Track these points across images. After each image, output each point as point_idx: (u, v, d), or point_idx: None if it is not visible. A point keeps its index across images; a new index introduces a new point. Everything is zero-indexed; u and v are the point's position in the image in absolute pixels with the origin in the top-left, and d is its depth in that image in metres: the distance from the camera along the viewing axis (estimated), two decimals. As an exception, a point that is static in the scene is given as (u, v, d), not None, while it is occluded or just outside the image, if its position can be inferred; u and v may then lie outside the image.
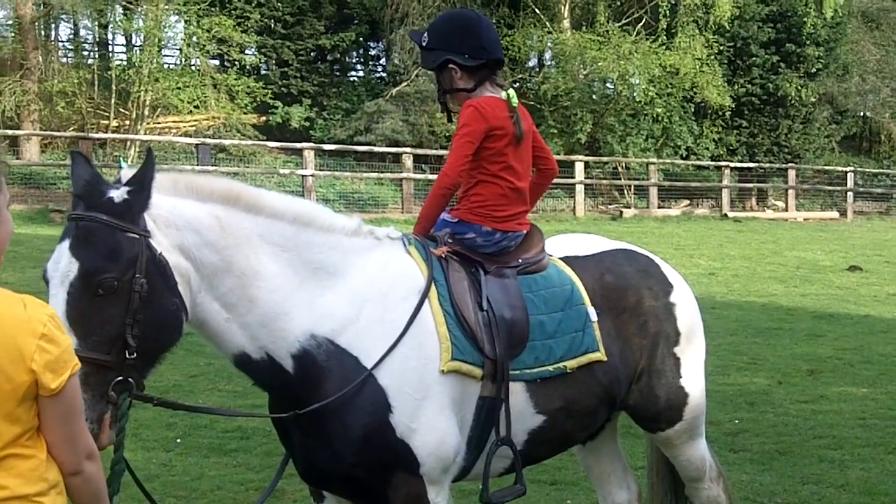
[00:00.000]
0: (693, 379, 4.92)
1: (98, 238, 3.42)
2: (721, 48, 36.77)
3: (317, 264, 4.00)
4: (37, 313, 2.62)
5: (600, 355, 4.55)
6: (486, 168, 4.57)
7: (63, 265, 3.39)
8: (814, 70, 38.43)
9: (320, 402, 3.89)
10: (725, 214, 33.48)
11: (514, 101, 4.61)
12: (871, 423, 9.26)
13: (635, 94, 35.23)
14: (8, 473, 2.59)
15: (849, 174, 37.83)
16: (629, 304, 4.75)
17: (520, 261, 4.57)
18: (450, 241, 4.49)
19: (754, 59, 37.92)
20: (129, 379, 3.42)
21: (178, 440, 8.30)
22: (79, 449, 2.74)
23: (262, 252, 3.87)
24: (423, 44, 4.66)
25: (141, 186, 3.54)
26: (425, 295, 4.16)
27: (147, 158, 3.57)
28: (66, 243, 3.43)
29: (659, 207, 33.44)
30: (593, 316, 4.58)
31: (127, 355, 3.41)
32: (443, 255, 4.38)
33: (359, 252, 4.14)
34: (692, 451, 5.06)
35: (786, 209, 36.31)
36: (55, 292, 3.37)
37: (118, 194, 3.51)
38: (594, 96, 36.63)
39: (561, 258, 4.77)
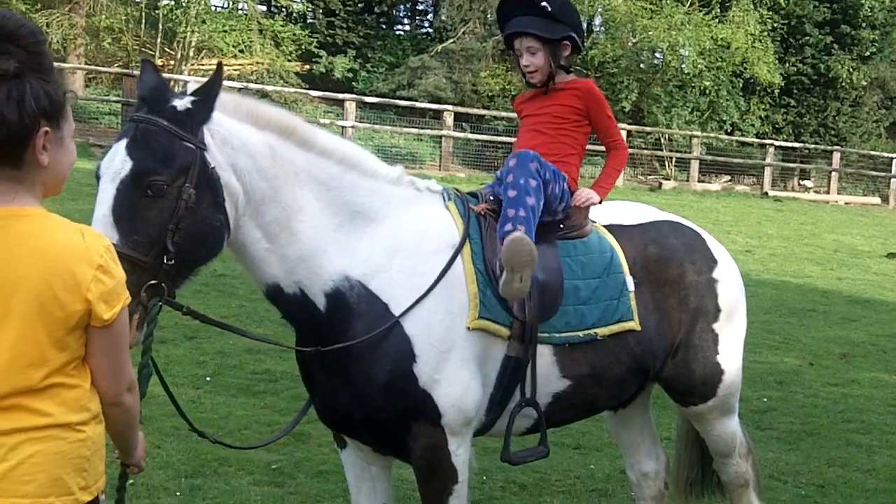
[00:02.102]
0: (730, 356, 4.88)
1: (154, 141, 3.46)
2: (775, 25, 36.34)
3: (357, 207, 4.00)
4: (94, 243, 2.63)
5: (634, 325, 4.51)
6: (582, 144, 4.79)
7: (116, 163, 3.43)
8: (867, 53, 37.95)
9: (347, 342, 3.91)
10: (766, 193, 33.19)
11: None
12: (902, 410, 9.20)
13: (684, 65, 34.89)
14: (53, 401, 2.61)
15: (894, 161, 37.36)
16: (671, 276, 4.70)
17: (561, 225, 4.53)
18: (491, 198, 4.46)
19: (808, 38, 37.47)
20: (163, 284, 3.45)
21: (208, 378, 8.36)
22: (121, 380, 2.76)
23: (307, 187, 3.89)
24: (549, 9, 4.59)
25: (205, 99, 3.59)
26: (458, 251, 4.14)
27: (216, 73, 3.61)
28: (123, 143, 3.47)
29: (699, 181, 33.18)
30: (630, 285, 4.54)
31: (164, 260, 3.44)
32: (482, 213, 4.35)
33: (398, 201, 4.14)
34: (723, 427, 5.03)
35: (828, 191, 35.95)
36: (105, 188, 3.41)
37: (182, 103, 3.56)
38: (642, 65, 36.34)
39: (605, 225, 4.73)
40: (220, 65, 3.68)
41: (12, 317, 2.54)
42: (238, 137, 3.70)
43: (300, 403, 7.65)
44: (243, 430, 7.15)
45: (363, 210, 4.02)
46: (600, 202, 4.67)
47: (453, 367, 4.01)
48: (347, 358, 3.95)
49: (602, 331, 4.42)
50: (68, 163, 2.72)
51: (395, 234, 4.06)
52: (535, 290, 4.23)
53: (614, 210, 4.98)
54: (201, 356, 8.97)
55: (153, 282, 3.42)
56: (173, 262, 3.46)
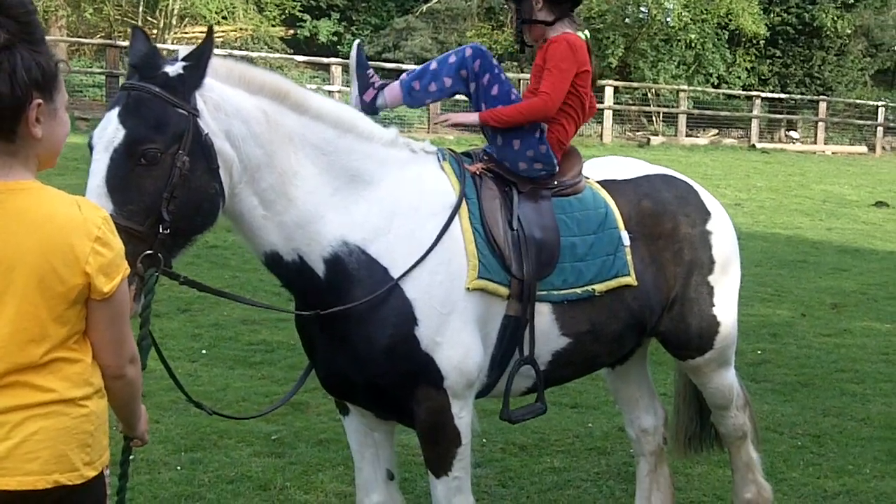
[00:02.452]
0: (725, 308, 4.90)
1: (147, 108, 3.43)
2: (758, -25, 36.18)
3: (353, 171, 3.99)
4: (91, 215, 2.61)
5: (630, 280, 4.53)
6: (571, 104, 4.60)
7: (109, 132, 3.41)
8: (851, 1, 37.77)
9: (345, 306, 3.91)
10: (753, 145, 33.15)
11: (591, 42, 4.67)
12: (894, 358, 9.27)
13: (669, 18, 34.71)
14: (55, 376, 2.60)
15: (880, 109, 37.30)
16: (665, 230, 4.71)
17: (555, 183, 4.54)
18: (485, 157, 4.47)
19: (792, -13, 37.34)
20: (159, 255, 3.43)
21: (203, 351, 8.38)
22: (124, 352, 2.76)
23: (302, 152, 3.87)
24: None
25: (197, 64, 3.55)
26: (455, 212, 4.14)
27: (207, 37, 3.57)
28: (115, 111, 3.44)
29: (687, 136, 33.11)
30: (626, 240, 4.56)
31: (160, 230, 3.41)
32: (477, 172, 4.35)
33: (394, 164, 4.12)
34: (721, 380, 5.06)
35: (815, 141, 35.94)
36: (98, 157, 3.38)
37: (173, 69, 3.52)
38: (627, 20, 36.11)
39: (598, 181, 4.73)
40: (210, 29, 3.65)
41: (11, 292, 2.53)
42: (231, 103, 3.68)
43: (298, 373, 7.66)
44: (242, 402, 7.18)
45: (359, 173, 4.00)
46: (476, 125, 4.51)
47: (454, 329, 4.03)
48: (348, 323, 3.95)
49: (599, 287, 4.43)
50: (63, 134, 2.69)
51: (393, 196, 4.05)
52: (532, 247, 4.24)
53: (607, 166, 4.98)
54: (196, 329, 8.98)
55: (149, 252, 3.40)
56: (169, 231, 3.43)
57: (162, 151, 3.41)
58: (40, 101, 2.55)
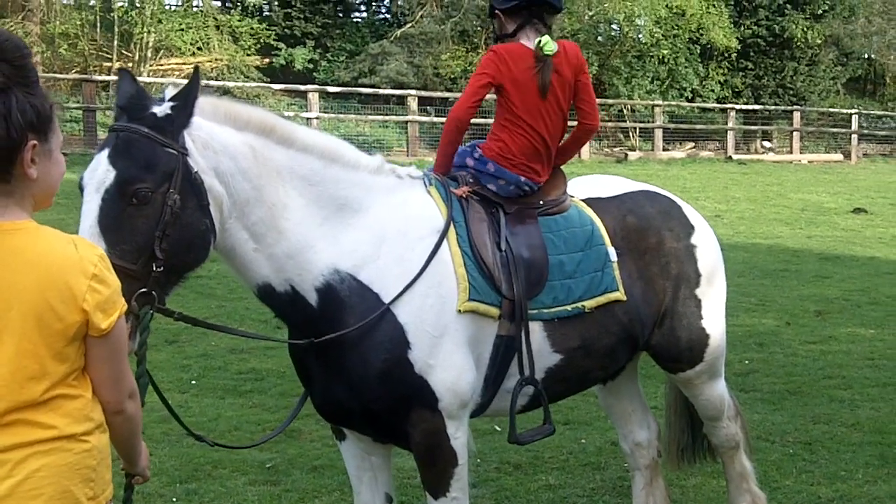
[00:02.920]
0: (714, 320, 4.95)
1: (136, 149, 3.48)
2: (727, -12, 36.49)
3: (342, 200, 4.03)
4: (87, 253, 2.63)
5: (619, 295, 4.57)
6: (507, 117, 4.58)
7: (100, 173, 3.45)
8: (820, 11, 38.08)
9: (339, 332, 3.94)
10: (730, 157, 33.38)
11: (548, 49, 4.52)
12: (880, 363, 9.34)
13: (641, 35, 34.97)
14: (56, 413, 2.61)
15: (853, 116, 37.62)
16: (651, 245, 4.76)
17: (541, 202, 4.58)
18: (471, 180, 4.51)
19: (760, 0, 37.61)
20: (153, 292, 3.47)
21: (193, 381, 8.37)
22: (123, 388, 2.78)
23: (290, 185, 3.91)
24: None
25: (184, 104, 3.60)
26: (444, 235, 4.19)
27: (193, 77, 3.62)
28: (105, 152, 3.49)
29: (664, 150, 33.30)
30: (613, 256, 4.60)
31: (153, 268, 3.46)
32: (463, 196, 4.39)
33: (381, 190, 4.17)
34: (712, 391, 5.10)
35: (790, 151, 36.18)
36: (89, 199, 3.43)
37: (161, 110, 3.57)
38: (600, 38, 36.37)
39: (583, 199, 4.78)
40: (196, 69, 3.69)
41: (10, 331, 2.55)
42: (219, 140, 3.72)
43: (289, 400, 7.74)
44: (234, 431, 7.17)
45: (347, 202, 4.05)
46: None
47: (447, 352, 4.06)
48: (342, 350, 3.98)
49: (589, 303, 4.48)
50: (58, 174, 2.72)
51: (381, 223, 4.09)
52: (521, 267, 4.29)
53: (590, 184, 5.03)
54: (184, 360, 8.97)
55: (143, 290, 3.44)
56: (162, 268, 3.48)
57: (153, 191, 3.45)
58: (35, 142, 2.57)
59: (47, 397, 2.60)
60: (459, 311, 4.11)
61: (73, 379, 2.66)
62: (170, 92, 3.67)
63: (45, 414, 2.60)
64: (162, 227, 3.46)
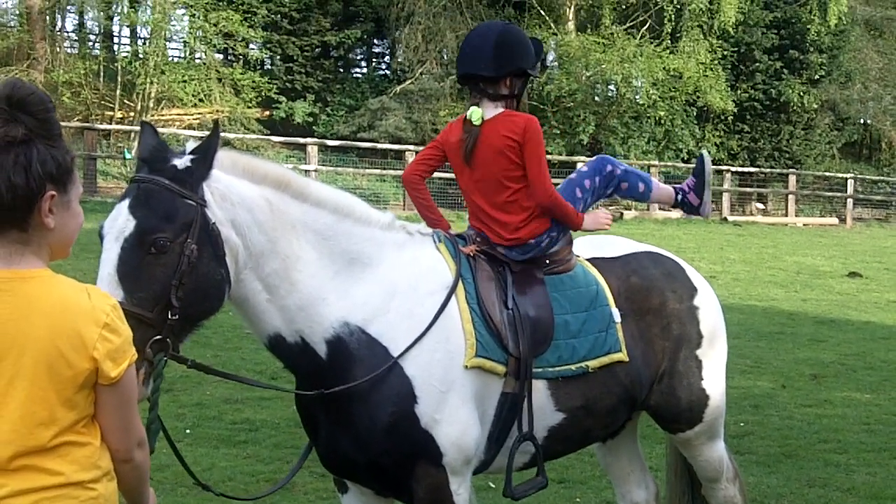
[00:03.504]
0: (714, 381, 4.98)
1: (156, 200, 3.55)
2: (725, 53, 36.89)
3: (353, 254, 4.09)
4: (100, 303, 2.67)
5: (622, 356, 4.61)
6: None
7: (120, 222, 3.51)
8: (816, 77, 38.50)
9: (348, 385, 3.97)
10: (725, 218, 33.52)
11: (474, 117, 4.58)
12: (876, 428, 9.34)
13: (638, 96, 35.30)
14: (64, 460, 2.63)
15: (849, 181, 37.85)
16: (653, 306, 4.80)
17: (547, 262, 4.62)
18: (478, 239, 4.56)
19: (758, 64, 38.00)
20: (167, 340, 3.51)
21: (188, 431, 8.35)
22: (131, 436, 2.79)
23: (304, 238, 3.97)
24: None
25: (204, 157, 3.69)
26: (452, 291, 4.24)
27: (213, 131, 3.71)
28: (126, 203, 3.56)
29: (660, 209, 33.39)
30: (617, 317, 4.65)
31: (169, 315, 3.50)
32: (471, 254, 4.44)
33: (391, 246, 4.23)
34: (711, 452, 5.11)
35: (786, 213, 36.35)
36: (109, 247, 3.48)
37: (181, 162, 3.65)
38: (597, 98, 36.71)
39: (588, 259, 4.83)
40: (216, 123, 3.78)
41: (21, 377, 2.57)
42: (237, 193, 3.79)
43: (283, 452, 7.72)
44: (228, 482, 7.14)
45: (359, 256, 4.10)
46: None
47: (453, 407, 4.09)
48: (350, 401, 4.01)
49: (593, 363, 4.51)
50: (76, 225, 2.77)
51: (391, 277, 4.15)
52: (527, 326, 4.32)
53: (595, 243, 5.08)
54: (179, 408, 8.95)
55: (158, 337, 3.47)
56: (177, 316, 3.52)
57: (171, 240, 3.51)
58: (54, 192, 2.62)
59: (55, 443, 2.61)
60: (466, 366, 4.14)
61: (83, 426, 2.68)
62: (191, 145, 3.77)
63: (53, 460, 2.61)
64: (179, 276, 3.51)
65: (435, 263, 4.32)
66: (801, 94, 37.92)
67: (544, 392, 4.41)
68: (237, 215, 3.76)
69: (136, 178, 3.65)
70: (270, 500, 6.80)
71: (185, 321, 3.59)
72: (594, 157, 4.99)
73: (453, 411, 4.09)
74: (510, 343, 4.27)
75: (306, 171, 26.47)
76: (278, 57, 34.55)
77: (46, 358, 2.58)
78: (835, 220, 36.59)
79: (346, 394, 3.99)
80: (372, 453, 4.06)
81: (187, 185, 3.61)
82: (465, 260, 4.40)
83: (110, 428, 2.74)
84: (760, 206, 37.54)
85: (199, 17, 30.65)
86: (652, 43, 35.17)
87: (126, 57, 30.89)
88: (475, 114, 4.59)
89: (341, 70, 38.04)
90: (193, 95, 30.18)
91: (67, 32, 35.71)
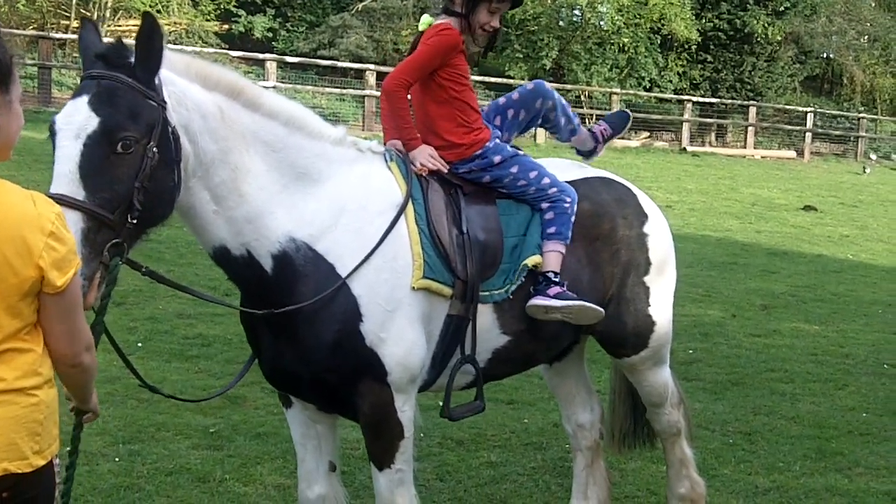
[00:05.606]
0: (661, 308, 5.00)
1: (121, 98, 3.42)
2: (690, -19, 36.69)
3: (302, 169, 4.03)
4: (45, 211, 2.65)
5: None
6: None
7: (79, 119, 3.37)
8: (782, 8, 38.40)
9: (297, 305, 3.94)
10: (684, 148, 33.61)
11: (421, 25, 4.67)
12: (823, 359, 9.50)
13: (603, 22, 35.11)
14: (7, 366, 2.63)
15: (808, 114, 37.98)
16: (603, 231, 4.79)
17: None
18: None
19: (723, -7, 37.86)
20: (124, 244, 3.42)
21: (139, 344, 8.33)
22: (79, 342, 2.79)
23: (254, 149, 3.90)
24: None
25: (152, 54, 3.51)
26: (402, 211, 4.19)
27: (145, 22, 3.50)
28: (84, 98, 3.41)
29: (619, 138, 33.38)
30: None
31: (129, 219, 3.40)
32: (423, 174, 4.40)
33: (342, 162, 4.17)
34: (655, 378, 5.16)
35: (744, 146, 36.50)
36: (66, 143, 3.34)
37: None
38: (561, 23, 36.44)
39: None
40: (147, 14, 3.57)
41: None
42: (191, 98, 3.69)
43: (234, 367, 7.71)
44: (179, 395, 7.12)
45: (308, 172, 4.04)
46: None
47: (399, 326, 4.08)
48: (295, 320, 3.98)
49: (529, 260, 4.47)
50: (17, 126, 2.73)
51: (340, 194, 4.09)
52: (476, 249, 4.31)
53: (550, 167, 5.03)
54: (131, 322, 8.92)
55: (117, 240, 3.38)
56: (136, 221, 3.43)
57: (137, 141, 3.41)
58: None
59: None
60: (413, 287, 4.12)
61: (25, 334, 2.68)
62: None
63: None
64: (141, 179, 3.41)
65: (385, 182, 4.26)
66: (766, 25, 37.81)
67: (490, 315, 4.40)
68: (191, 121, 3.66)
69: (94, 75, 3.49)
70: (221, 414, 6.83)
71: (139, 227, 3.50)
72: (530, 86, 4.85)
73: (399, 330, 4.08)
74: (458, 266, 4.25)
75: (265, 87, 26.10)
76: (238, -32, 33.99)
77: None
78: (793, 154, 36.79)
79: (293, 313, 3.96)
80: (316, 369, 4.05)
81: (150, 85, 3.50)
82: (416, 180, 4.34)
83: (57, 334, 2.74)
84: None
85: (158, -75, 30.01)
86: (618, -32, 34.90)
87: (83, -36, 30.23)
88: (423, 21, 4.63)
89: (303, -16, 37.49)
90: (150, 6, 29.61)
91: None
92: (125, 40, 3.60)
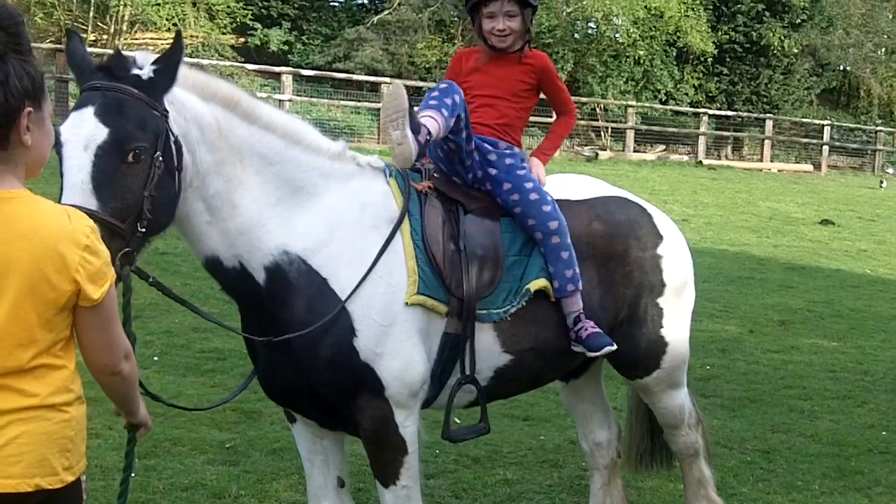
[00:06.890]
0: (675, 330, 4.95)
1: (129, 108, 3.45)
2: (706, -7, 36.65)
3: (298, 183, 4.04)
4: (80, 225, 2.68)
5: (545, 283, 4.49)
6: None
7: (87, 130, 3.39)
8: (798, 21, 38.31)
9: (292, 330, 3.96)
10: (700, 161, 33.56)
11: None
12: (841, 375, 9.42)
13: (618, 35, 35.11)
14: (40, 382, 2.66)
15: (825, 128, 37.90)
16: (616, 252, 4.75)
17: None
18: (436, 175, 4.50)
19: (739, 6, 37.74)
20: (134, 253, 3.47)
21: (155, 358, 8.34)
22: (117, 351, 2.83)
23: (249, 162, 3.92)
24: None
25: (166, 69, 3.57)
26: (397, 226, 4.18)
27: (176, 42, 3.58)
28: (89, 109, 3.43)
29: (635, 151, 33.41)
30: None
31: (138, 227, 3.45)
32: (423, 190, 4.38)
33: (339, 177, 4.17)
34: (670, 400, 5.11)
35: (761, 159, 36.43)
36: (75, 154, 3.36)
37: (144, 72, 3.55)
38: (577, 35, 36.46)
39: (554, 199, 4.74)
40: (178, 33, 3.67)
41: (3, 298, 2.59)
42: (189, 109, 3.72)
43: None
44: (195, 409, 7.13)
45: (304, 186, 4.05)
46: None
47: (396, 341, 4.07)
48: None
49: (532, 285, 4.43)
50: (49, 143, 2.78)
51: (335, 208, 4.10)
52: (473, 267, 4.29)
53: (563, 184, 4.98)
54: (147, 335, 8.91)
55: (127, 249, 3.42)
56: (145, 229, 3.47)
57: (146, 150, 3.44)
58: (31, 109, 2.62)
59: (33, 365, 2.65)
60: (407, 303, 4.11)
61: (59, 349, 2.72)
62: (142, 57, 3.63)
63: (29, 382, 2.65)
64: (149, 189, 3.46)
65: (382, 197, 4.24)
66: (782, 37, 37.72)
67: (490, 334, 4.36)
68: (189, 131, 3.69)
69: (97, 86, 3.50)
70: (237, 429, 6.83)
71: (146, 235, 3.54)
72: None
73: (396, 345, 4.07)
74: (453, 283, 4.22)
75: (280, 100, 26.26)
76: (254, -19, 34.09)
77: (29, 280, 2.60)
78: (809, 167, 36.69)
79: (286, 326, 3.98)
80: (312, 385, 4.07)
81: (153, 95, 3.53)
82: (415, 195, 4.33)
83: (96, 346, 2.79)
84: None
85: (175, -61, 30.11)
86: (633, -20, 34.87)
87: (100, -23, 30.34)
88: None
89: (318, -2, 37.60)
90: (167, 19, 29.75)
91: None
92: (124, 52, 3.67)
